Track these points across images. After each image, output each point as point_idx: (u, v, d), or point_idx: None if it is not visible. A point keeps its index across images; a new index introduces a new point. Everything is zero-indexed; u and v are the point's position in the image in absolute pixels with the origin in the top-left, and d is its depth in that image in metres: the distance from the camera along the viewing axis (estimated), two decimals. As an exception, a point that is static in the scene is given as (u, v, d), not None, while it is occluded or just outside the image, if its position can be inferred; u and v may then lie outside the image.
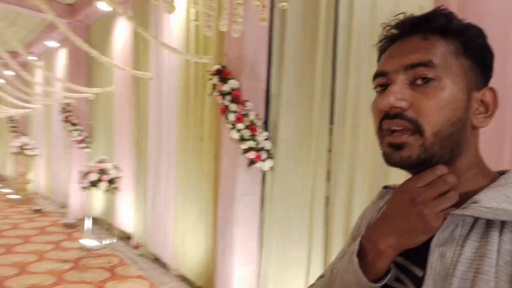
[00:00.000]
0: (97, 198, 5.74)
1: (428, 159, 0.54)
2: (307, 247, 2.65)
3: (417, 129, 0.54)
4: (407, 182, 0.57)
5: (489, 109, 0.57)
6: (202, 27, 1.67)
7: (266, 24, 1.72)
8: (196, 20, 1.73)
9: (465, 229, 0.52)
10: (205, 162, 3.45)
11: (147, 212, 4.51)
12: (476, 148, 0.59)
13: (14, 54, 7.34)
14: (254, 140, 2.78)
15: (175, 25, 3.91)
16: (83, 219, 4.82)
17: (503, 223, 0.50)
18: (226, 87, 2.85)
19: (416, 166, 0.56)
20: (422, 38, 0.56)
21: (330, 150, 2.56)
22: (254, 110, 2.86)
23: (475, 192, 0.54)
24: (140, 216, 4.73)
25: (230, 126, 2.81)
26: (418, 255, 0.55)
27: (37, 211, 6.84)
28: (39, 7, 2.90)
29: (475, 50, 0.56)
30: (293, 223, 2.72)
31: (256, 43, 2.97)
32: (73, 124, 6.27)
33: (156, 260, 4.32)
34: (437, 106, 0.53)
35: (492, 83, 0.59)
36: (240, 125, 2.77)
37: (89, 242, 4.58)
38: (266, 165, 2.82)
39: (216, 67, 2.98)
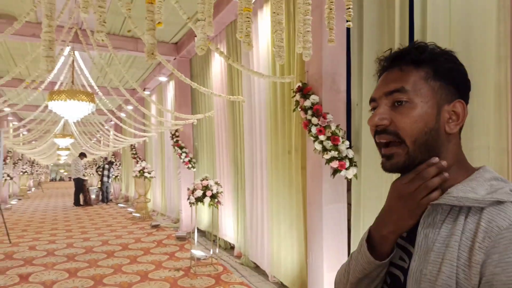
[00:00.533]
0: (203, 213, 6.35)
1: (412, 162, 0.69)
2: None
3: (400, 139, 0.69)
4: (395, 181, 0.72)
5: (459, 118, 0.70)
6: (275, 57, 1.94)
7: (333, 44, 1.91)
8: (275, 47, 2.00)
9: (443, 215, 0.66)
10: (294, 173, 3.67)
11: (246, 223, 4.87)
12: (454, 150, 0.71)
13: (132, 91, 8.62)
14: (336, 150, 2.91)
15: (262, 50, 4.28)
16: (192, 232, 5.37)
17: (469, 209, 0.63)
18: (307, 103, 3.05)
19: (404, 169, 0.71)
20: (398, 69, 0.72)
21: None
22: (335, 121, 3.00)
23: (453, 185, 0.67)
24: (240, 227, 5.12)
25: (313, 138, 2.99)
26: (414, 238, 0.69)
27: (155, 226, 7.76)
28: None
29: (444, 73, 0.70)
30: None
31: (335, 57, 3.13)
32: (181, 148, 7.07)
33: (257, 268, 4.62)
34: (411, 121, 0.68)
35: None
36: (322, 137, 2.93)
37: (197, 252, 5.09)
38: (350, 173, 2.92)
39: (298, 84, 3.21)
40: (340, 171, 2.92)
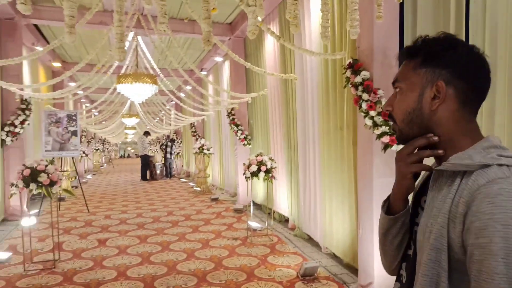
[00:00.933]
0: (259, 187, 6.62)
1: (405, 136, 0.85)
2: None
3: (395, 121, 0.86)
4: (397, 151, 0.87)
5: (441, 96, 0.79)
6: (321, 37, 2.03)
7: (381, 21, 1.96)
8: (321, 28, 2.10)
9: (446, 178, 0.78)
10: (346, 149, 3.74)
11: (300, 197, 5.05)
12: (449, 124, 0.80)
13: (190, 72, 9.00)
14: (387, 125, 2.93)
15: (314, 27, 4.31)
16: (249, 205, 5.66)
17: (465, 172, 0.74)
18: (358, 79, 3.09)
19: (403, 141, 0.86)
20: (400, 64, 0.87)
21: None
22: (386, 96, 3.01)
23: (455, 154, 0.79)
24: (294, 201, 5.31)
25: (363, 114, 3.04)
26: None
27: (214, 199, 8.22)
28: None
29: (431, 59, 0.80)
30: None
31: (387, 32, 3.10)
32: (237, 125, 7.34)
33: (310, 240, 4.81)
34: (398, 105, 0.85)
35: None
36: (372, 112, 2.97)
37: (254, 224, 5.38)
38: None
39: (348, 61, 3.24)
40: (391, 146, 2.95)
